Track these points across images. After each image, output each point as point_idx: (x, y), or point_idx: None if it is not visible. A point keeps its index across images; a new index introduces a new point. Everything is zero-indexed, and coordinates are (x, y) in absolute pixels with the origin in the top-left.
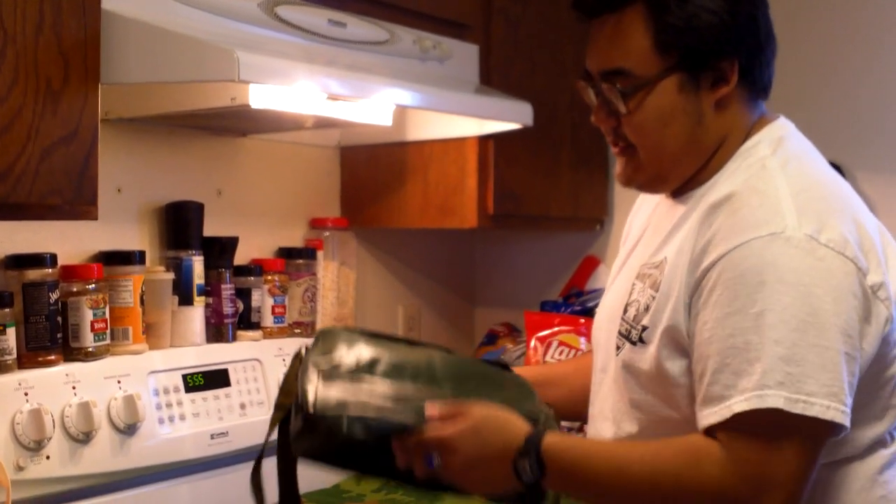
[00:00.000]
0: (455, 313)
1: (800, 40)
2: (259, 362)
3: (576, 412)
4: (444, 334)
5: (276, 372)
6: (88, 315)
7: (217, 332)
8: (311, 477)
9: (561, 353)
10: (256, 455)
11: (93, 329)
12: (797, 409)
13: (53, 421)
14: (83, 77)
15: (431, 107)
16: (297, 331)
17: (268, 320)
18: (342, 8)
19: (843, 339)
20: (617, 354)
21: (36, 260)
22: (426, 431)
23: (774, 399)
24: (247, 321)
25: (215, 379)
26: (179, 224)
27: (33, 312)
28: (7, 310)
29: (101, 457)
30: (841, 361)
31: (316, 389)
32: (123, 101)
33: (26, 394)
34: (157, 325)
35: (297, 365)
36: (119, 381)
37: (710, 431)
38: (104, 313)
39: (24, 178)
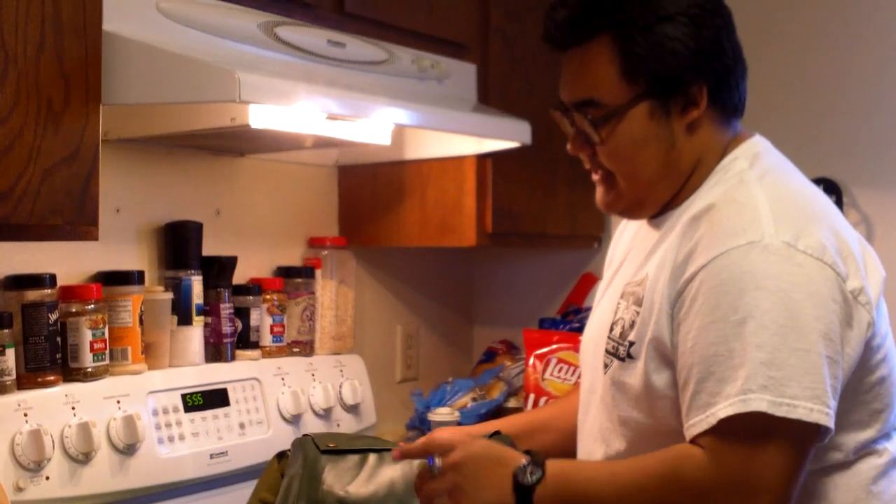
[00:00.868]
0: (454, 331)
1: (796, 58)
2: (258, 381)
3: (564, 454)
4: (442, 352)
5: (275, 391)
6: (87, 335)
7: (216, 351)
8: None
9: (560, 371)
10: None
11: (92, 349)
12: (781, 411)
13: (53, 441)
14: (84, 98)
15: (430, 126)
16: (296, 350)
17: (266, 339)
18: (341, 28)
19: (825, 343)
20: (605, 373)
21: (35, 280)
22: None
23: (758, 403)
24: (245, 340)
25: (214, 399)
26: (178, 244)
27: (32, 333)
28: (6, 330)
29: (101, 477)
30: (823, 364)
31: None
32: (123, 122)
33: (26, 414)
34: (156, 344)
35: (276, 466)
36: (118, 402)
37: (697, 440)
38: (103, 333)
39: (25, 199)
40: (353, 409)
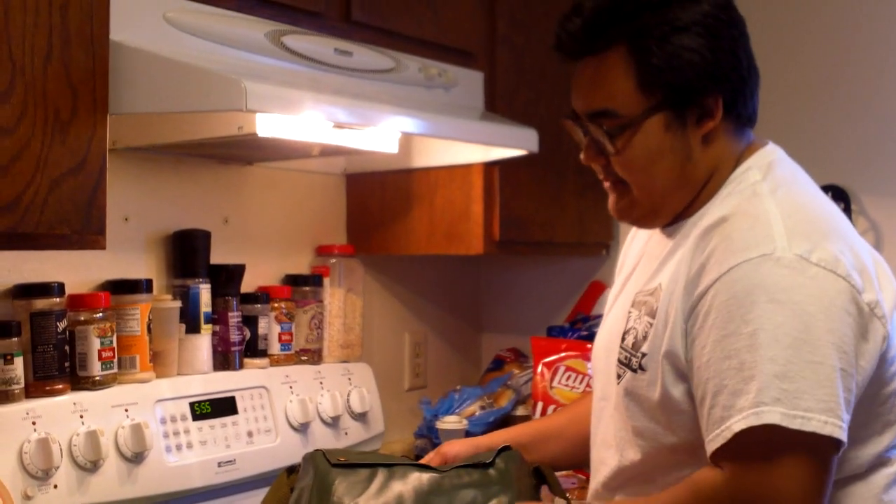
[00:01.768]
0: (462, 339)
1: (803, 65)
2: (266, 390)
3: (577, 460)
4: (450, 360)
5: (283, 399)
6: (96, 344)
7: (224, 359)
8: None
9: (568, 379)
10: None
11: (100, 358)
12: (795, 424)
13: (61, 450)
14: (91, 108)
15: (437, 134)
16: (304, 358)
17: (275, 348)
18: (348, 37)
19: (838, 356)
20: (618, 383)
21: (43, 289)
22: None
23: (771, 415)
24: (254, 349)
25: (222, 407)
26: (186, 252)
27: (41, 341)
28: (15, 339)
29: (109, 485)
30: (836, 377)
31: None
32: (131, 131)
33: (34, 423)
34: (165, 353)
35: (285, 480)
36: (126, 410)
37: (716, 459)
38: (111, 342)
39: (33, 209)
40: (360, 418)
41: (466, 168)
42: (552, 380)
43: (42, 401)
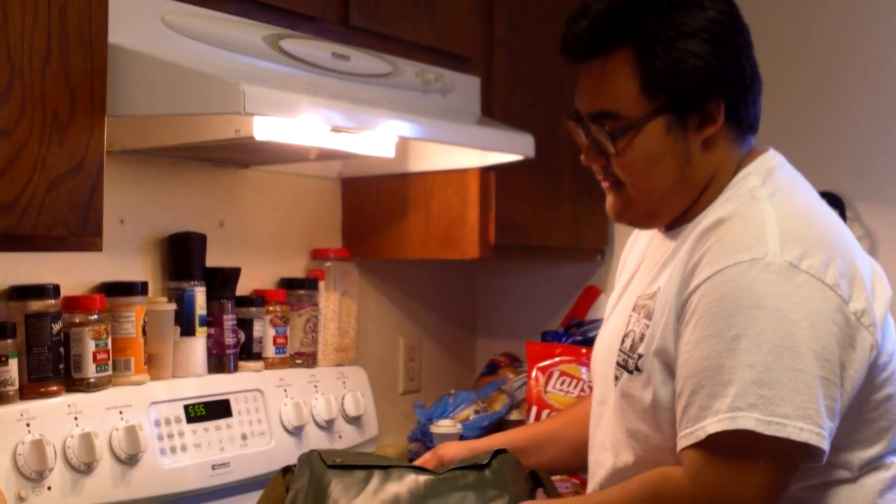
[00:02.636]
0: (456, 343)
1: (798, 72)
2: (260, 393)
3: (573, 465)
4: (445, 365)
5: (278, 402)
6: (91, 346)
7: (218, 362)
8: None
9: (562, 384)
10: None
11: (95, 360)
12: (770, 430)
13: (55, 451)
14: (90, 110)
15: (433, 138)
16: (299, 361)
17: (269, 351)
18: (345, 41)
19: (820, 364)
20: (615, 385)
21: (39, 291)
22: None
23: (745, 421)
24: (248, 352)
25: (217, 409)
26: (182, 255)
27: (36, 343)
28: (9, 340)
29: (103, 487)
30: (816, 385)
31: None
32: (128, 133)
33: (28, 424)
34: (159, 355)
35: (281, 480)
36: (121, 412)
37: (685, 456)
38: (106, 344)
39: (30, 210)
40: (355, 421)
41: (462, 173)
42: (546, 384)
43: (36, 402)
